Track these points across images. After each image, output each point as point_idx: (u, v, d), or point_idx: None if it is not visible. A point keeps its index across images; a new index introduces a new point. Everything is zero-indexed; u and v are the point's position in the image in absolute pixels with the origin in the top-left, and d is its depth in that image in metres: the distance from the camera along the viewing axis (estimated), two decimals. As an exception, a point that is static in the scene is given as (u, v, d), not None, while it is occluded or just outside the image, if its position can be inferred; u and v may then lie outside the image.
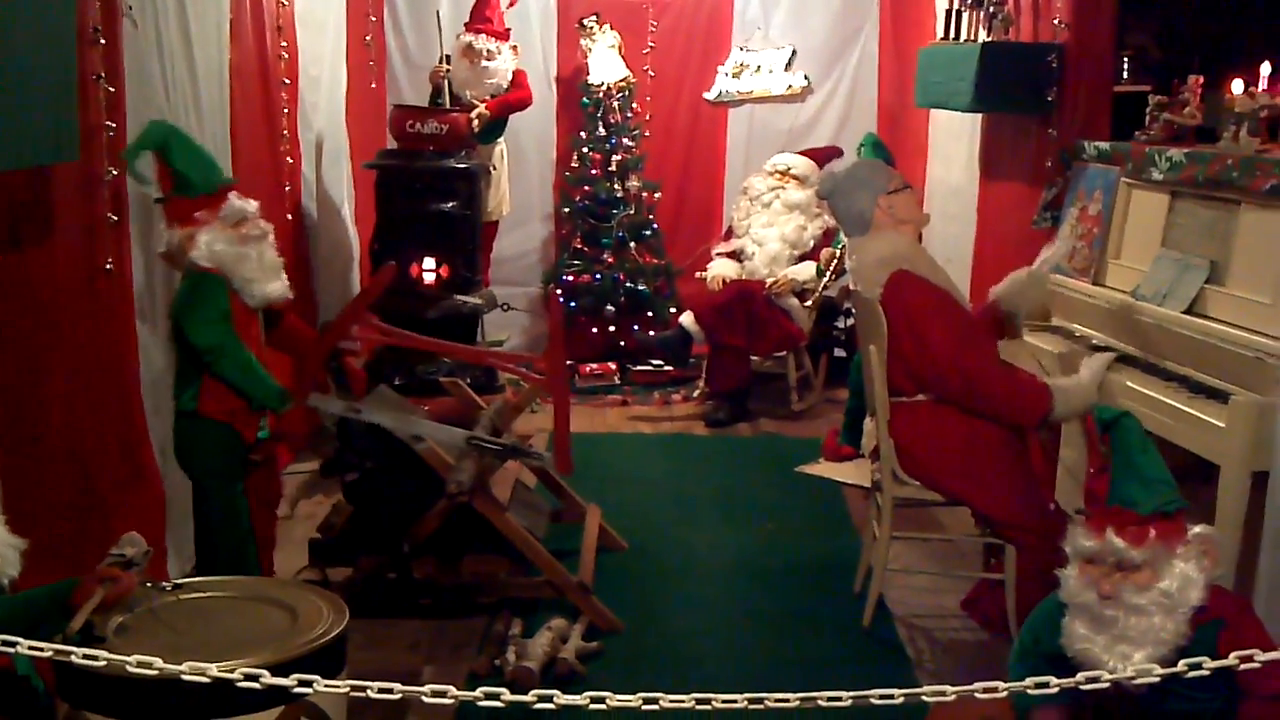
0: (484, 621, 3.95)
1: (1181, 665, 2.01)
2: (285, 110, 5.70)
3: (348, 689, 1.92)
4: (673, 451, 6.12)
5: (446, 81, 6.49)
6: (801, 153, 7.03)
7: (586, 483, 5.06)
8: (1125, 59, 5.12)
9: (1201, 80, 4.44)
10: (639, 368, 7.21)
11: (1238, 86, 4.06)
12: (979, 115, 5.83)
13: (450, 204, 5.73)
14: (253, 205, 3.77)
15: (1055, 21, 5.02)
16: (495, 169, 6.89)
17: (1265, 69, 4.03)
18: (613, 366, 7.19)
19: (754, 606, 4.29)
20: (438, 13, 6.99)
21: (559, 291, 7.16)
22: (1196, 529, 2.64)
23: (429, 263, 5.71)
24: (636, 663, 3.77)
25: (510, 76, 6.77)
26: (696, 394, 6.88)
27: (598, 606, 3.94)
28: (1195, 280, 3.75)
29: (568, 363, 6.99)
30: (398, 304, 5.67)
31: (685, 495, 5.43)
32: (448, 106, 6.37)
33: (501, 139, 7.00)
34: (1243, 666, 2.00)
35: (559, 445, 3.94)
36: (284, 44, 5.65)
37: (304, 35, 5.96)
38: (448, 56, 6.78)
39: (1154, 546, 2.57)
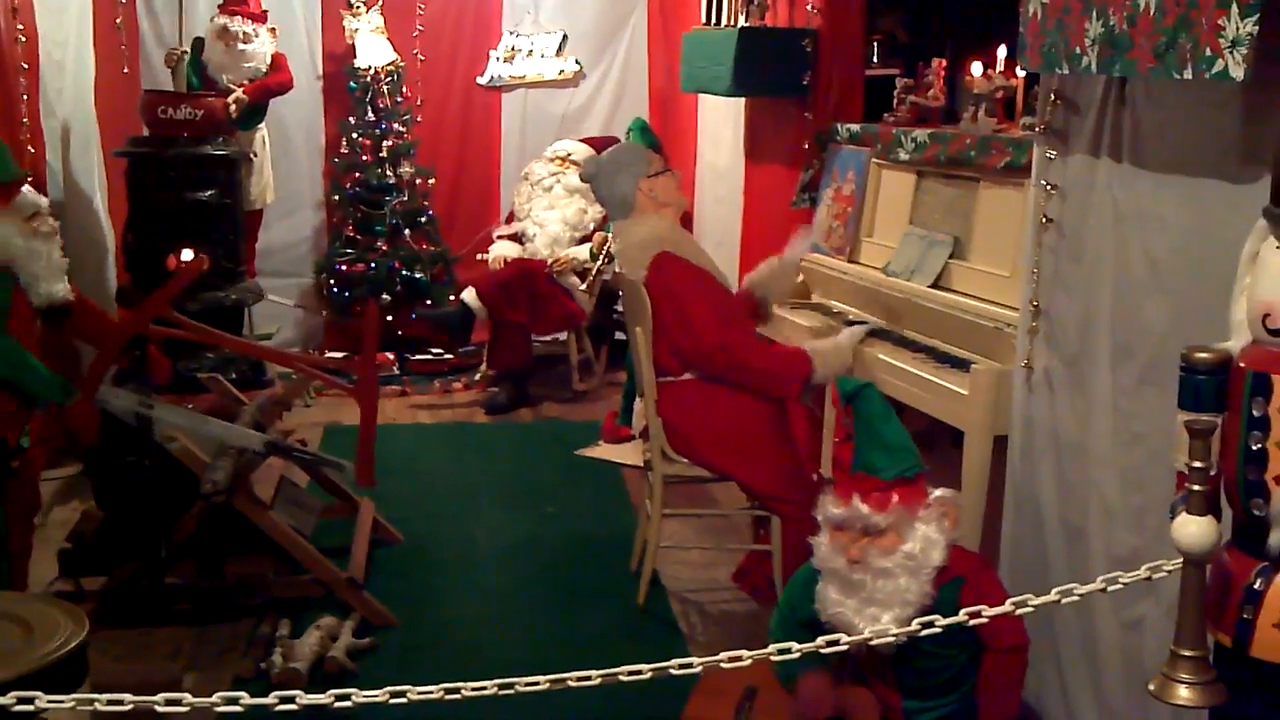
0: (250, 624, 3.82)
1: (916, 624, 2.10)
2: (25, 96, 5.38)
3: (73, 703, 1.82)
4: (453, 440, 6.06)
5: (182, 64, 6.23)
6: (583, 141, 7.07)
7: (363, 476, 4.97)
8: (875, 43, 5.32)
9: (945, 64, 4.65)
10: (418, 357, 7.11)
11: (977, 69, 4.26)
12: (743, 100, 5.95)
13: (208, 192, 5.51)
14: (45, 200, 3.59)
15: (809, 7, 5.16)
16: (256, 156, 6.67)
17: (1002, 52, 4.24)
18: (390, 356, 7.06)
19: (532, 591, 4.28)
20: None
21: (331, 281, 7.00)
22: (937, 492, 2.76)
23: (187, 254, 5.46)
24: (411, 656, 3.71)
25: (269, 60, 6.56)
26: (479, 376, 6.83)
27: (369, 602, 3.86)
28: (940, 256, 3.93)
29: (342, 355, 6.87)
30: (155, 298, 5.43)
31: (466, 484, 5.38)
32: (182, 91, 6.11)
33: (263, 125, 6.77)
34: (973, 622, 2.10)
35: (362, 457, 3.84)
36: (20, 26, 5.33)
37: (44, 18, 5.64)
38: (199, 39, 6.53)
39: (897, 511, 2.68)
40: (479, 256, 6.93)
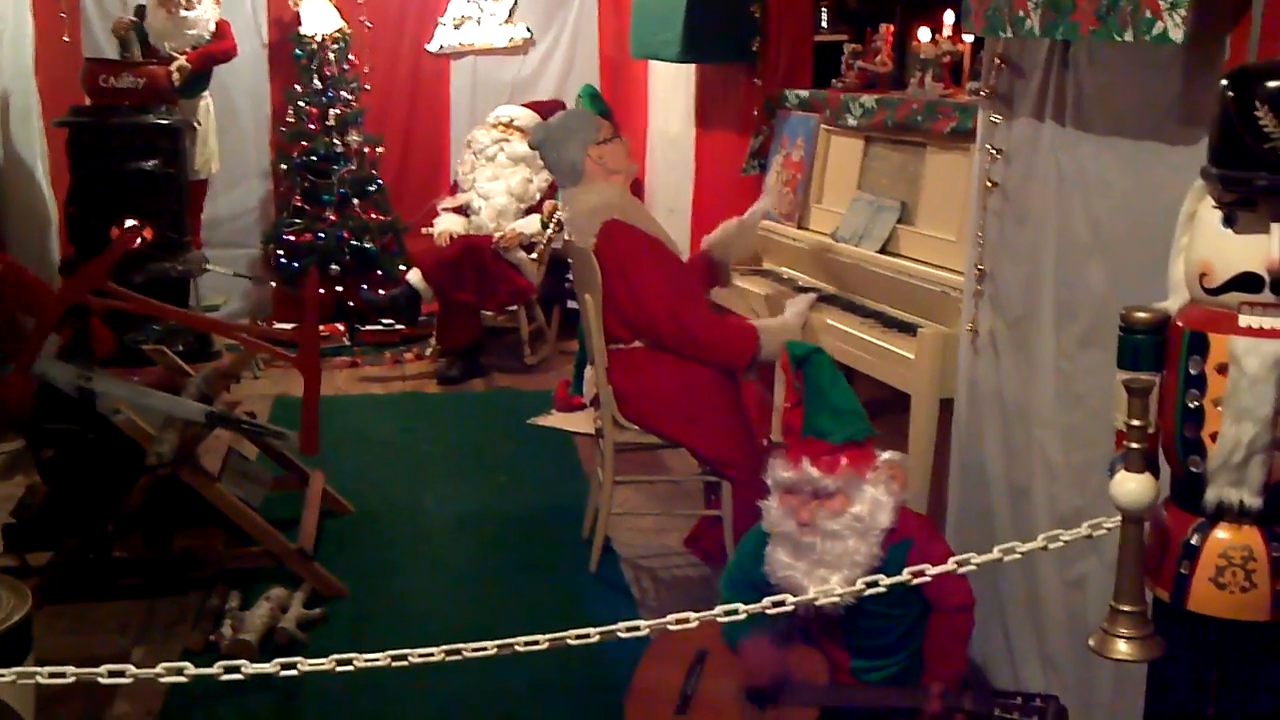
0: (199, 597, 3.79)
1: (860, 584, 2.11)
2: (-37, 67, 5.28)
3: (14, 677, 1.80)
4: (405, 411, 6.03)
5: (132, 33, 6.11)
6: (525, 105, 7.01)
7: (313, 448, 4.93)
8: (824, 9, 5.30)
9: (893, 29, 4.65)
10: (368, 327, 7.06)
11: (924, 34, 4.27)
12: (693, 66, 5.93)
13: (151, 162, 5.42)
14: None
15: (758, -28, 5.13)
16: (200, 124, 6.58)
17: (949, 17, 4.24)
18: (341, 327, 7.00)
19: (485, 560, 4.28)
20: None
21: (279, 251, 6.93)
22: (884, 455, 2.78)
23: (131, 225, 5.39)
24: (362, 626, 3.70)
25: (212, 27, 6.47)
26: (429, 352, 6.80)
27: (319, 572, 3.84)
28: (888, 221, 3.94)
29: (291, 326, 6.79)
30: (99, 270, 5.34)
31: (417, 454, 5.36)
32: (137, 60, 6.00)
33: (207, 93, 6.68)
34: (916, 581, 2.12)
35: (307, 426, 3.80)
36: (-44, -4, 5.22)
37: (-19, -14, 5.53)
38: (141, 7, 6.41)
39: (846, 474, 2.70)
40: (424, 230, 6.87)
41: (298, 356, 3.99)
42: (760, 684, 2.77)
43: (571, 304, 7.04)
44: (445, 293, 6.42)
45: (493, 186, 6.63)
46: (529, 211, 6.66)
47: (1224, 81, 1.74)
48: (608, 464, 3.97)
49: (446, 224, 6.66)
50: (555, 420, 5.74)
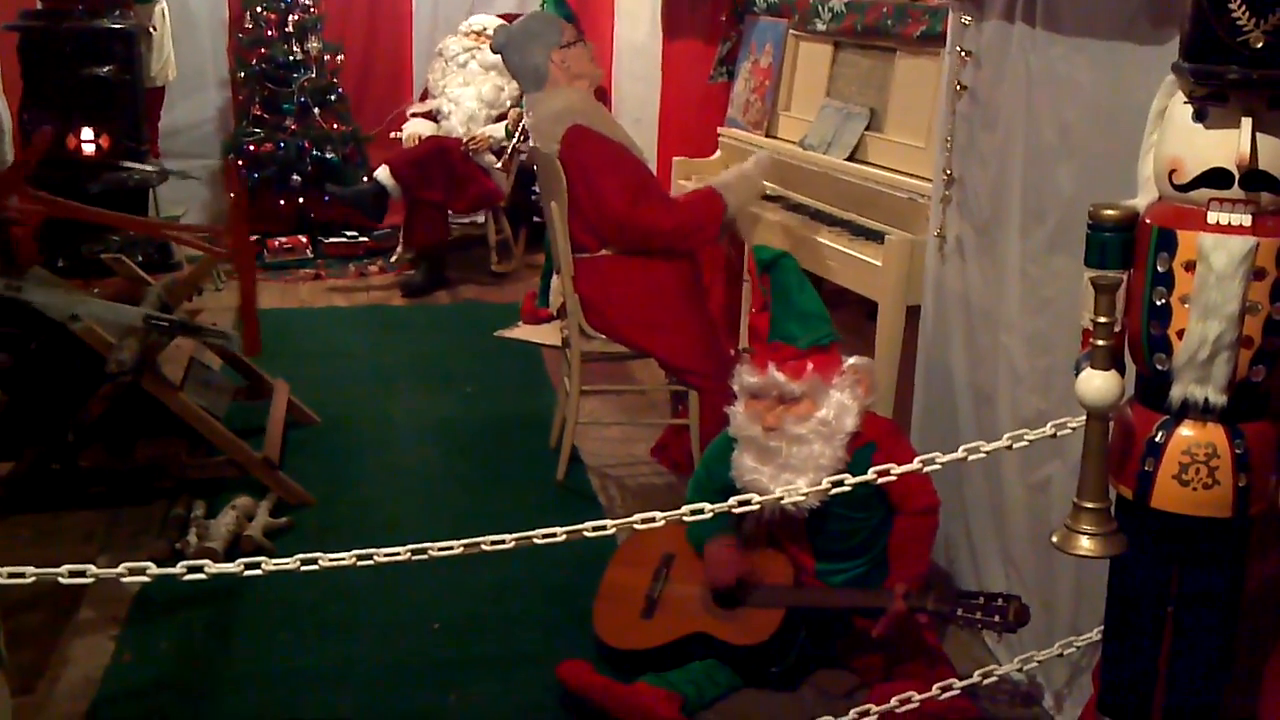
0: (164, 506, 3.77)
1: (825, 483, 2.12)
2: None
3: (-28, 579, 1.78)
4: (370, 323, 5.98)
5: None
6: (500, 16, 6.88)
7: (279, 360, 4.89)
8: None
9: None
10: (332, 240, 6.97)
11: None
12: (660, -30, 5.84)
13: (106, 68, 5.30)
14: None
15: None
16: (155, 30, 6.42)
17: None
18: (304, 239, 6.91)
19: (452, 469, 4.27)
20: None
21: (240, 162, 6.81)
22: (850, 360, 2.78)
23: (87, 133, 5.28)
24: (329, 534, 3.68)
25: (165, -72, 6.28)
26: (395, 259, 6.73)
27: (285, 481, 3.82)
28: (856, 128, 3.90)
29: (254, 237, 6.71)
30: (55, 177, 5.24)
31: (383, 366, 5.32)
32: None
33: (160, -3, 6.52)
34: (880, 481, 2.13)
35: (247, 325, 3.74)
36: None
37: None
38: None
39: (812, 378, 2.71)
40: (393, 135, 6.77)
41: (229, 254, 3.90)
42: (725, 585, 2.79)
43: (538, 219, 6.98)
44: (413, 191, 6.33)
45: (463, 92, 6.53)
46: (499, 118, 6.57)
47: (1198, -27, 1.71)
48: (574, 373, 3.96)
49: (415, 128, 6.57)
50: (522, 332, 5.73)
